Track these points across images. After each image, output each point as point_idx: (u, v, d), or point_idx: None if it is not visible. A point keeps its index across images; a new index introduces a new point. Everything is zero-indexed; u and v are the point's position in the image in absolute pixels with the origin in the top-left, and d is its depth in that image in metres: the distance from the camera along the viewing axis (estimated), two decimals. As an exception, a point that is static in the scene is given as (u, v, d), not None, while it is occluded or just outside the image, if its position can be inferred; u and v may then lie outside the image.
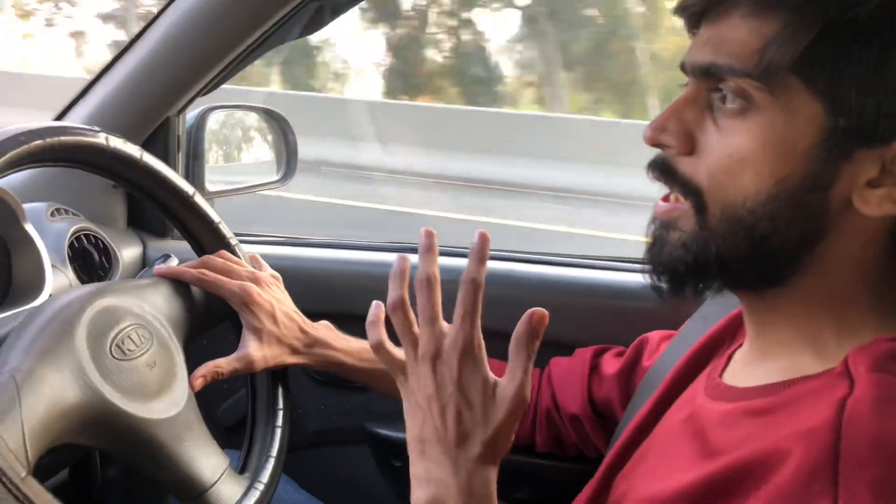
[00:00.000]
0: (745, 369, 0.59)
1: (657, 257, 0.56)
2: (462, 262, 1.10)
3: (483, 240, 0.56)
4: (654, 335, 0.86)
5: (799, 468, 0.45)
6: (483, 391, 0.55)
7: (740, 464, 0.48)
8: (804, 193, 0.50)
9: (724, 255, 0.53)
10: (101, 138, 0.71)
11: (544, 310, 0.55)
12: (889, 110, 0.48)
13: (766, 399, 0.53)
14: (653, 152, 0.58)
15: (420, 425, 0.57)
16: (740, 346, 0.63)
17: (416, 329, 0.58)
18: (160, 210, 0.83)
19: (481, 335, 0.56)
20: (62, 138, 0.67)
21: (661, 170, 0.56)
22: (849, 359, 0.50)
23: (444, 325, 0.57)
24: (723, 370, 0.61)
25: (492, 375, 0.56)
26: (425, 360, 0.56)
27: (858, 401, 0.46)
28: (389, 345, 0.60)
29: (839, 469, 0.44)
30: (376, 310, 0.61)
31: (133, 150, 0.75)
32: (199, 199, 0.83)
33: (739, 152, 0.51)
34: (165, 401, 0.71)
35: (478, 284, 0.56)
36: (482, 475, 0.55)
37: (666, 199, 0.57)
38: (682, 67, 0.56)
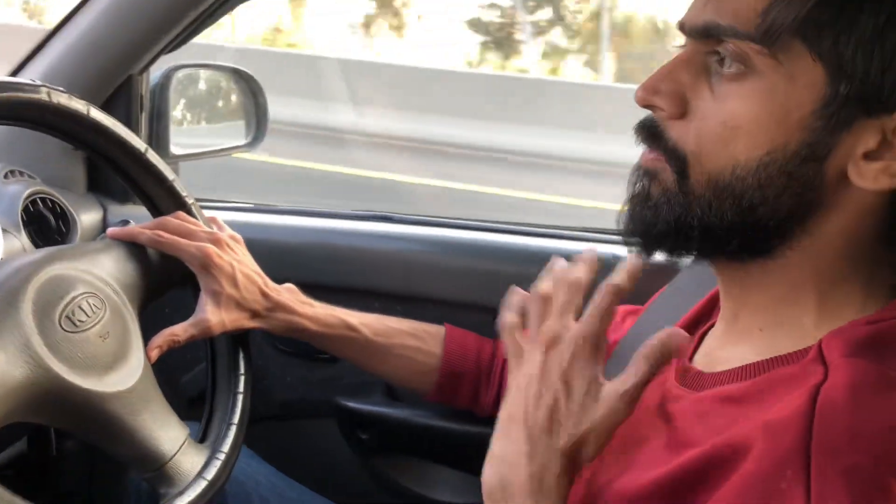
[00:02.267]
0: (718, 352, 0.57)
1: (640, 207, 0.54)
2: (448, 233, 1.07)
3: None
4: (619, 309, 0.84)
5: (771, 455, 0.43)
6: (587, 389, 0.52)
7: (711, 453, 0.47)
8: (798, 163, 0.48)
9: (708, 221, 0.51)
10: (42, 93, 0.67)
11: (686, 336, 0.52)
12: (894, 77, 0.46)
13: (738, 385, 0.51)
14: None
15: (513, 405, 0.53)
16: (712, 325, 0.61)
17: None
18: (112, 169, 0.79)
19: (605, 339, 0.54)
20: (0, 94, 0.63)
21: (649, 132, 0.54)
22: (822, 343, 0.48)
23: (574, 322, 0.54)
24: (693, 352, 0.60)
25: (602, 378, 0.52)
26: (540, 344, 0.53)
27: (832, 388, 0.45)
28: (518, 329, 0.57)
29: (811, 456, 0.42)
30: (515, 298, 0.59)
31: (79, 105, 0.71)
32: (153, 156, 0.79)
33: (734, 119, 0.49)
34: (120, 373, 0.69)
35: (621, 294, 0.53)
36: (556, 470, 0.51)
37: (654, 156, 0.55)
38: (681, 27, 0.54)
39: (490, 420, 0.90)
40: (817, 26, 0.46)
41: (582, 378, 0.52)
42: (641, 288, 0.80)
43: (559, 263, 0.57)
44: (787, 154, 0.48)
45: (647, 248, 0.54)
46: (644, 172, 0.54)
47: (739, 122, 0.49)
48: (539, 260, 1.03)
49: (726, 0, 0.49)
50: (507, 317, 0.57)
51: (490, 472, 0.53)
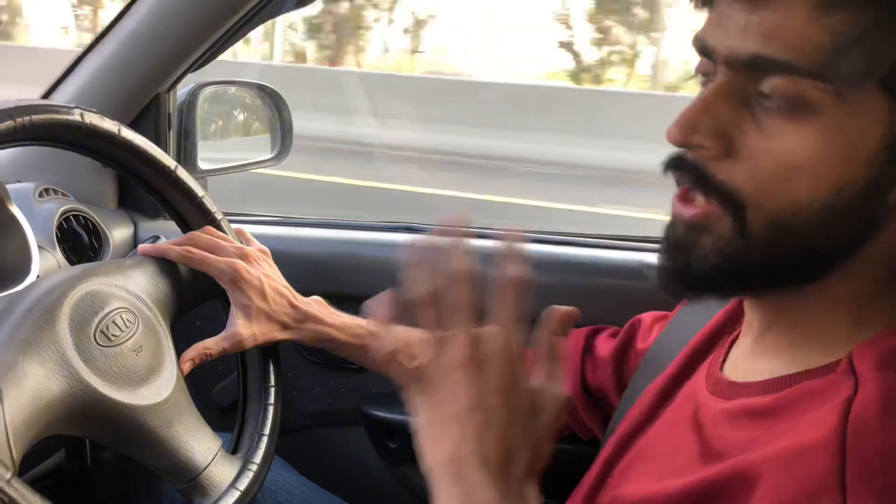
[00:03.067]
0: (747, 363, 0.56)
1: (685, 265, 0.50)
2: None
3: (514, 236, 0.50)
4: (647, 316, 0.84)
5: (804, 478, 0.42)
6: (527, 403, 0.48)
7: (742, 469, 0.45)
8: (864, 200, 0.46)
9: (769, 263, 0.48)
10: (75, 115, 0.69)
11: (568, 308, 0.50)
12: None
13: (767, 398, 0.50)
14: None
15: (453, 444, 0.47)
16: (738, 334, 0.60)
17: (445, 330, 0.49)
18: (142, 186, 0.81)
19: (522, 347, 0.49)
20: (34, 117, 0.65)
21: (695, 176, 0.49)
22: (853, 354, 0.47)
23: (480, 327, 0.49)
24: (723, 362, 0.59)
25: (533, 383, 0.49)
26: (460, 368, 0.47)
27: (864, 404, 0.43)
28: (405, 350, 0.50)
29: (846, 478, 0.41)
30: (384, 301, 0.51)
31: (110, 125, 0.73)
32: (182, 173, 0.81)
33: (793, 158, 0.45)
34: (154, 386, 0.70)
35: (522, 284, 0.49)
36: (527, 493, 0.48)
37: (683, 195, 0.51)
38: (703, 51, 0.49)
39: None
40: (893, 66, 0.44)
41: (519, 395, 0.47)
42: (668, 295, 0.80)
43: (417, 252, 0.50)
44: (854, 191, 0.46)
45: (703, 298, 0.52)
46: (689, 227, 0.50)
47: (799, 161, 0.45)
48: (562, 268, 1.05)
49: (779, 29, 0.45)
50: (383, 339, 0.49)
51: None
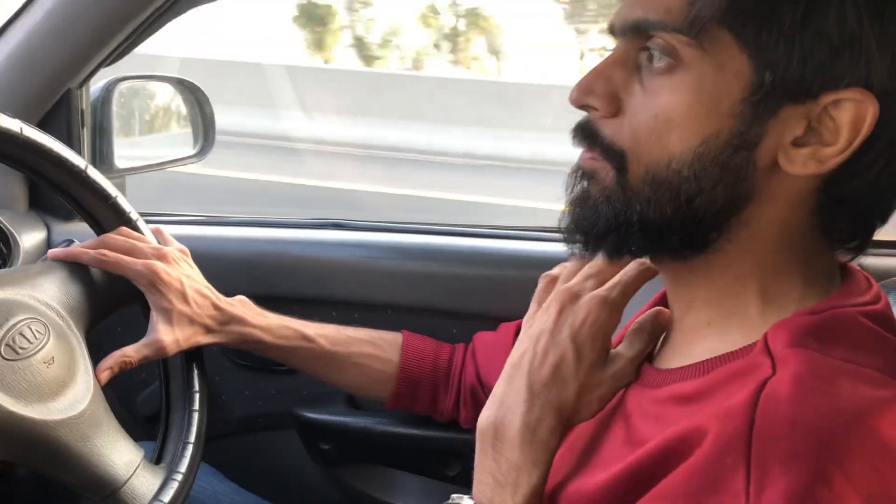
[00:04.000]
0: (673, 348, 0.57)
1: (580, 212, 0.54)
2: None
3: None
4: None
5: (714, 444, 0.44)
6: (597, 354, 0.55)
7: (662, 447, 0.47)
8: (730, 153, 0.49)
9: (648, 217, 0.51)
10: None
11: (668, 313, 0.57)
12: (815, 65, 0.46)
13: (691, 382, 0.51)
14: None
15: (521, 354, 0.56)
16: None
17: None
18: (50, 188, 0.77)
19: (622, 309, 0.56)
20: None
21: (583, 133, 0.54)
22: (768, 335, 0.49)
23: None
24: (651, 352, 0.60)
25: (612, 346, 0.56)
26: (559, 300, 0.56)
27: (778, 381, 0.45)
28: (552, 281, 0.61)
29: (752, 443, 0.43)
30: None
31: (11, 124, 0.68)
32: (93, 173, 0.77)
33: (665, 112, 0.49)
34: (67, 399, 0.67)
35: (648, 274, 0.56)
36: (551, 424, 0.53)
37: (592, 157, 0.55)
38: (611, 30, 0.54)
39: (450, 425, 0.91)
40: (741, 16, 0.47)
41: (592, 342, 0.54)
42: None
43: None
44: (719, 143, 0.48)
45: (591, 247, 0.55)
46: (582, 174, 0.54)
47: (671, 114, 0.49)
48: (493, 261, 1.05)
49: None
50: (550, 272, 0.62)
51: (487, 413, 0.55)
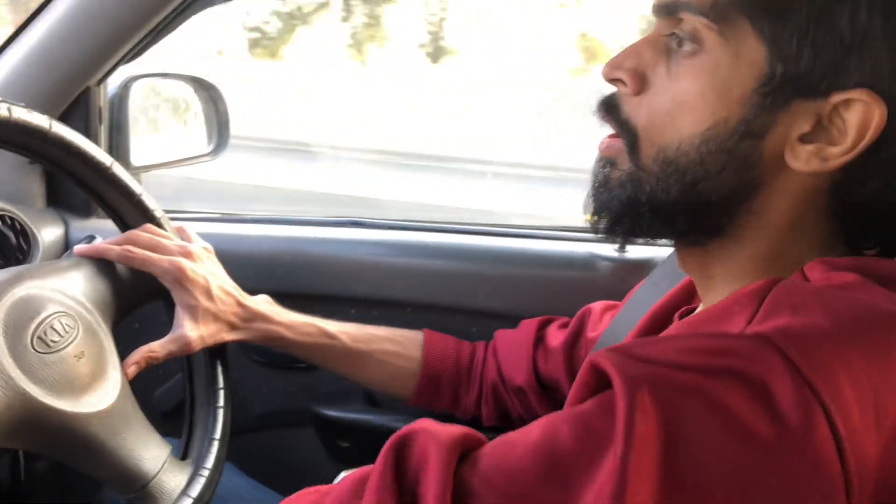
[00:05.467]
0: None
1: (599, 195, 0.56)
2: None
3: None
4: (597, 306, 0.86)
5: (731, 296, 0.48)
6: None
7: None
8: (737, 140, 0.49)
9: (656, 197, 0.52)
10: (2, 109, 0.65)
11: None
12: (826, 62, 0.47)
13: (704, 311, 0.53)
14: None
15: None
16: (690, 309, 0.63)
17: None
18: (76, 184, 0.77)
19: None
20: None
21: (606, 106, 0.56)
22: (804, 267, 0.50)
23: None
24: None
25: None
26: None
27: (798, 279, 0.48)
28: None
29: (766, 297, 0.46)
30: None
31: (40, 119, 0.69)
32: (118, 170, 0.77)
33: (682, 95, 0.51)
34: (98, 392, 0.67)
35: None
36: None
37: (611, 136, 0.56)
38: (653, 10, 0.55)
39: (471, 422, 0.91)
40: (760, 6, 0.48)
41: None
42: (621, 284, 0.82)
43: None
44: (727, 129, 0.49)
45: (609, 231, 0.56)
46: (605, 162, 0.56)
47: (686, 97, 0.50)
48: (513, 260, 1.05)
49: None
50: None
51: None
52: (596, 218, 0.56)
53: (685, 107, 0.50)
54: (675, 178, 0.51)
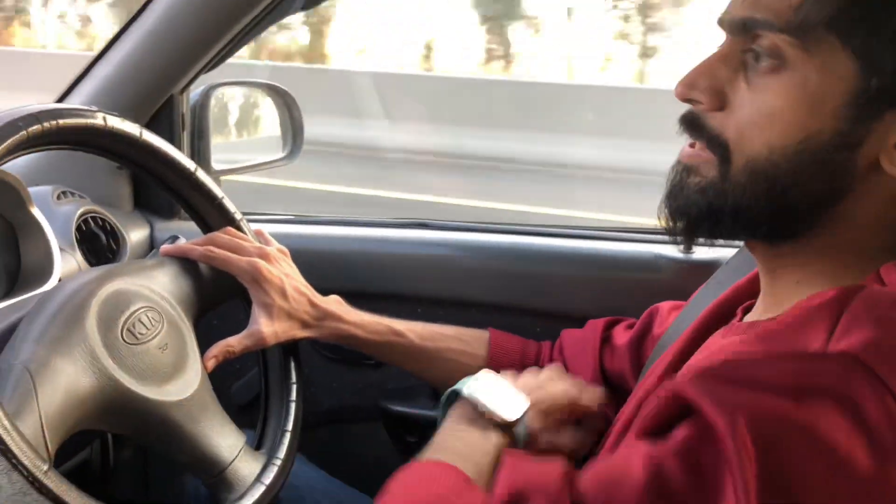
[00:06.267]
0: (765, 310, 0.59)
1: (674, 200, 0.57)
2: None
3: None
4: (665, 305, 0.86)
5: (807, 309, 0.48)
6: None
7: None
8: (831, 151, 0.50)
9: (741, 204, 0.53)
10: (98, 118, 0.70)
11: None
12: None
13: (775, 321, 0.53)
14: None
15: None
16: (753, 304, 0.63)
17: None
18: (163, 188, 0.82)
19: None
20: (60, 121, 0.66)
21: (690, 124, 0.57)
22: (881, 270, 0.51)
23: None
24: (739, 321, 0.62)
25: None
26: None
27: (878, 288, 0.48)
28: None
29: (845, 309, 0.46)
30: None
31: (132, 128, 0.74)
32: (202, 175, 0.82)
33: (770, 108, 0.52)
34: (179, 382, 0.71)
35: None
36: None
37: (692, 145, 0.57)
38: (720, 24, 0.56)
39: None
40: (850, 22, 0.48)
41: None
42: (685, 285, 0.82)
43: None
44: (821, 141, 0.50)
45: (685, 235, 0.57)
46: (683, 168, 0.57)
47: (775, 110, 0.51)
48: (577, 261, 1.06)
49: None
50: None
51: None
52: (671, 222, 0.57)
53: (774, 119, 0.51)
54: (765, 186, 0.52)
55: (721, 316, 0.66)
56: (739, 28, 0.53)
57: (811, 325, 0.48)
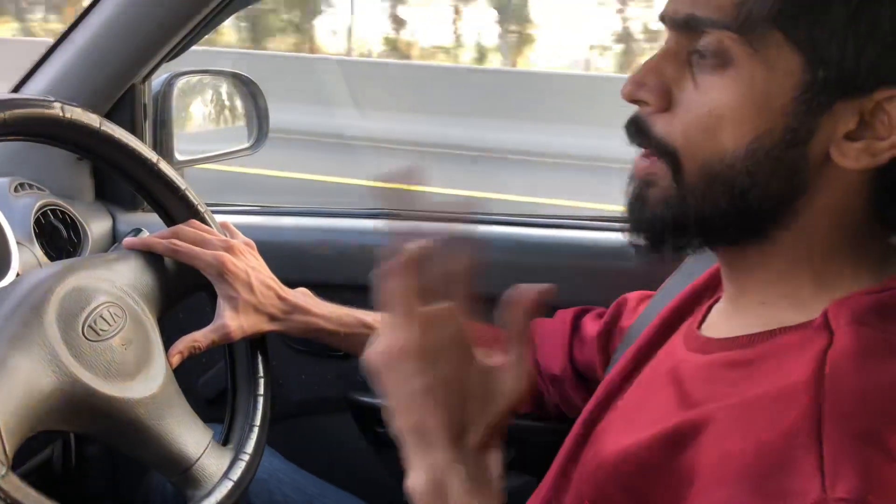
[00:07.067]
0: (723, 322, 0.59)
1: (637, 216, 0.55)
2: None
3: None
4: (633, 296, 0.86)
5: (780, 425, 0.45)
6: (482, 384, 0.51)
7: (718, 413, 0.48)
8: (783, 148, 0.50)
9: (704, 212, 0.52)
10: (56, 109, 0.69)
11: (543, 286, 0.52)
12: (869, 59, 0.47)
13: (744, 351, 0.53)
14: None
15: (418, 418, 0.51)
16: (717, 299, 0.63)
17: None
18: (124, 180, 0.80)
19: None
20: (16, 111, 0.64)
21: (636, 130, 0.55)
22: (828, 311, 0.50)
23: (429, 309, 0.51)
24: (701, 322, 0.61)
25: (487, 362, 0.51)
26: (410, 355, 0.50)
27: (840, 353, 0.46)
28: None
29: (822, 424, 0.43)
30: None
31: (91, 119, 0.72)
32: (164, 166, 0.81)
33: (717, 109, 0.50)
34: (143, 379, 0.70)
35: (472, 263, 0.53)
36: (486, 461, 0.51)
37: (646, 155, 0.56)
38: (662, 20, 0.55)
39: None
40: (793, 16, 0.48)
41: (473, 375, 0.51)
42: (654, 275, 0.82)
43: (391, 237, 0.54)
44: (773, 140, 0.49)
45: (653, 249, 0.56)
46: (640, 183, 0.55)
47: (722, 111, 0.50)
48: (547, 250, 1.06)
49: None
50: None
51: (422, 479, 0.51)
52: (635, 235, 0.56)
53: (723, 120, 0.50)
54: (723, 190, 0.51)
55: (686, 309, 0.67)
56: (682, 25, 0.52)
57: (788, 401, 0.45)
